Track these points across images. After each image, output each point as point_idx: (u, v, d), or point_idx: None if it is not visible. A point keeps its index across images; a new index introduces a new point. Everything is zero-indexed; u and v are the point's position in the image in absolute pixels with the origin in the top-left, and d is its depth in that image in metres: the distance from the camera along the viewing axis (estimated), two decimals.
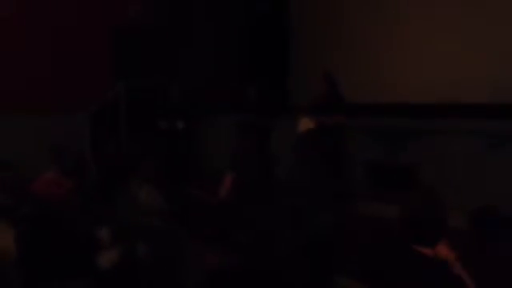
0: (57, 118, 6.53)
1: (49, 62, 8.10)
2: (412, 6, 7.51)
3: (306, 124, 6.05)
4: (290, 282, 3.88)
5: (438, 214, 2.58)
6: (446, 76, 6.98)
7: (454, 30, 6.99)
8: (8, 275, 3.13)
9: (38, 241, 3.40)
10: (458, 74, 6.87)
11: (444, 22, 7.10)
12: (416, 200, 2.64)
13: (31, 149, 6.22)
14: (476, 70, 6.72)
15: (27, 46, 7.98)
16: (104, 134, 7.69)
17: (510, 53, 6.41)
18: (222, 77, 9.30)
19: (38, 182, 3.81)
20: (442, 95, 6.95)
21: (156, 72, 8.79)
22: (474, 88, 6.69)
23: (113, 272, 3.69)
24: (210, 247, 3.69)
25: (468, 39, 6.84)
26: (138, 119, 8.19)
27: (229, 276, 2.87)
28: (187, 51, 9.18)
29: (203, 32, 9.35)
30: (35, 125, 7.19)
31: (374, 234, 4.11)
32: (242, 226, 4.41)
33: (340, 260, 3.96)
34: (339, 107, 6.62)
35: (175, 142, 8.18)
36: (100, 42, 8.63)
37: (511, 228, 5.18)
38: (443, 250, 2.57)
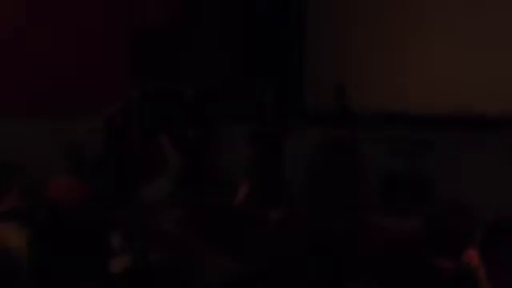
0: (71, 120, 6.55)
1: (65, 64, 8.13)
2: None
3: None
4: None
5: (464, 225, 2.55)
6: (462, 87, 6.94)
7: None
8: (20, 277, 3.11)
9: (50, 245, 3.39)
10: (477, 84, 6.83)
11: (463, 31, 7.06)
12: (443, 210, 2.62)
13: (45, 152, 6.24)
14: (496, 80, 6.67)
15: (34, 47, 8.01)
16: (118, 139, 7.69)
17: None
18: (237, 80, 9.29)
19: (53, 186, 3.80)
20: (457, 105, 6.91)
21: (171, 76, 8.79)
22: (492, 97, 6.64)
23: (125, 277, 3.67)
24: (225, 253, 3.66)
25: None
26: (152, 125, 8.19)
27: (242, 283, 2.83)
28: (202, 55, 9.18)
29: (217, 35, 9.35)
30: (49, 128, 7.21)
31: (389, 245, 4.06)
32: (255, 232, 4.39)
33: (354, 270, 3.92)
34: (349, 121, 6.62)
35: (189, 147, 8.16)
36: (117, 43, 8.65)
37: None
38: (474, 259, 2.53)
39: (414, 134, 7.17)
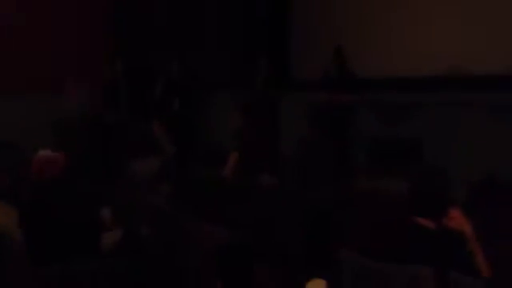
0: (56, 96, 6.49)
1: (48, 39, 8.04)
2: None
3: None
4: (292, 256, 3.89)
5: (440, 187, 2.58)
6: (447, 48, 6.92)
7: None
8: (13, 256, 3.12)
9: (40, 223, 3.39)
10: (461, 45, 6.82)
11: None
12: (419, 173, 2.67)
13: (34, 129, 6.20)
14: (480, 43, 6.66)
15: (21, 23, 7.91)
16: (105, 113, 7.66)
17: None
18: (222, 52, 9.23)
19: (34, 160, 3.75)
20: (442, 67, 6.90)
21: (155, 49, 8.72)
22: (478, 60, 6.64)
23: (116, 251, 3.69)
24: (214, 225, 3.68)
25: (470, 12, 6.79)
26: (138, 98, 8.15)
27: (232, 253, 2.85)
28: (186, 27, 9.10)
29: (203, 6, 9.25)
30: (36, 105, 7.16)
31: (378, 208, 4.10)
32: (246, 202, 4.42)
33: (344, 234, 3.96)
34: (350, 84, 6.53)
35: (175, 120, 8.14)
36: (99, 17, 8.56)
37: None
38: (458, 219, 2.57)
39: (399, 96, 7.17)
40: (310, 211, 4.22)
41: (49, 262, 3.27)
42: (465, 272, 2.41)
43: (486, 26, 6.65)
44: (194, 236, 3.62)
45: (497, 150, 6.03)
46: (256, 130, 5.78)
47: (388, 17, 7.68)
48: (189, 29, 9.11)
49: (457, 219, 2.55)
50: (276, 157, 5.78)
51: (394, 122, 7.12)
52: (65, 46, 8.14)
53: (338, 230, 4.04)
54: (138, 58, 8.54)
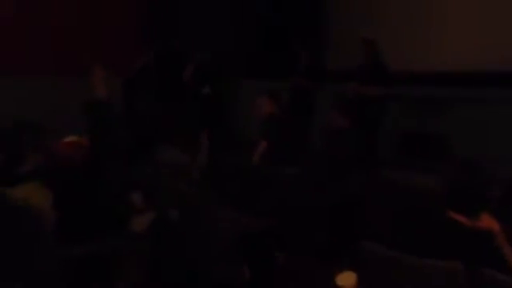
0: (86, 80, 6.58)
1: (78, 26, 8.15)
2: None
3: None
4: (317, 246, 3.90)
5: (483, 184, 2.57)
6: (479, 44, 6.84)
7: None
8: (46, 237, 3.20)
9: (70, 205, 3.46)
10: (495, 41, 6.73)
11: None
12: (462, 169, 2.64)
13: (65, 111, 6.30)
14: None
15: (52, 9, 8.03)
16: (136, 99, 7.74)
17: None
18: (255, 41, 9.24)
19: (58, 146, 3.82)
20: (474, 63, 6.83)
21: (184, 37, 8.77)
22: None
23: (147, 235, 3.75)
24: (241, 211, 3.71)
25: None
26: (168, 85, 8.21)
27: (257, 240, 2.89)
28: (214, 15, 9.11)
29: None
30: (66, 87, 7.27)
31: (406, 201, 4.09)
32: (272, 190, 4.44)
33: (370, 226, 3.96)
34: (383, 77, 6.47)
35: (204, 106, 8.19)
36: (131, 5, 8.65)
37: None
38: (487, 221, 2.55)
39: (431, 91, 7.11)
40: (338, 201, 4.22)
41: (79, 243, 3.35)
42: (497, 269, 2.40)
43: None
44: (220, 222, 3.66)
45: None
46: (286, 119, 5.77)
47: (423, 12, 7.61)
48: (221, 16, 9.13)
49: (488, 224, 2.54)
50: (304, 146, 5.78)
51: (424, 116, 7.07)
52: (97, 30, 8.24)
53: (366, 222, 4.04)
54: (169, 44, 8.60)
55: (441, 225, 2.63)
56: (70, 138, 3.71)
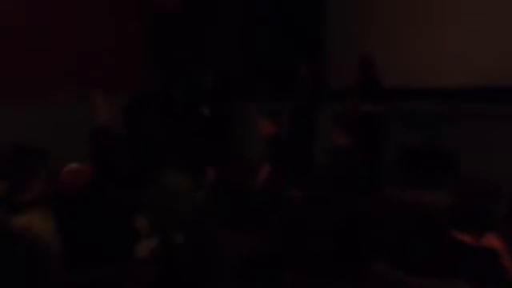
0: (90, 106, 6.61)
1: (85, 51, 8.21)
2: None
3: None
4: (321, 266, 3.88)
5: (491, 203, 2.54)
6: (484, 59, 6.85)
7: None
8: (47, 264, 3.18)
9: (76, 231, 3.45)
10: (497, 57, 6.74)
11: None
12: (467, 186, 2.62)
13: (67, 137, 6.32)
14: None
15: (55, 34, 8.09)
16: (138, 123, 7.75)
17: None
18: (254, 62, 9.27)
19: (62, 172, 3.83)
20: (478, 78, 6.82)
21: (190, 60, 8.81)
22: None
23: (151, 260, 3.73)
24: (247, 233, 3.70)
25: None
26: (173, 107, 8.24)
27: (261, 262, 2.87)
28: (219, 37, 9.17)
29: (232, 17, 9.31)
30: (71, 114, 7.30)
31: (411, 219, 4.07)
32: (276, 212, 4.42)
33: (377, 246, 3.93)
34: (377, 94, 6.51)
35: (208, 128, 8.20)
36: (135, 29, 8.70)
37: None
38: (492, 240, 2.53)
39: (436, 107, 7.10)
40: (341, 221, 4.21)
41: (84, 270, 3.33)
42: None
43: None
44: (225, 245, 3.64)
45: None
46: (290, 139, 5.79)
47: (420, 28, 7.64)
48: (224, 38, 9.18)
49: (490, 239, 2.52)
50: (308, 167, 5.78)
51: (428, 133, 7.05)
52: (100, 56, 8.29)
53: (370, 241, 4.02)
54: (173, 67, 8.64)
55: (445, 243, 2.61)
56: (72, 165, 3.71)
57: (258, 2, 9.36)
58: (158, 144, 7.11)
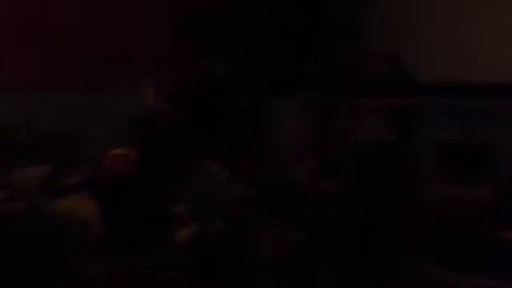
0: (135, 94, 6.69)
1: (125, 40, 8.30)
2: None
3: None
4: (354, 260, 3.85)
5: None
6: None
7: None
8: (92, 248, 3.23)
9: (116, 216, 3.49)
10: None
11: None
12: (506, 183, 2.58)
13: (110, 124, 6.39)
14: None
15: (98, 20, 8.20)
16: (178, 114, 7.80)
17: None
18: (283, 56, 9.22)
19: (106, 158, 3.87)
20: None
21: (222, 56, 8.83)
22: None
23: (190, 247, 3.76)
24: (284, 225, 3.70)
25: None
26: (208, 101, 8.26)
27: (301, 254, 2.87)
28: (255, 29, 9.15)
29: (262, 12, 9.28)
30: (114, 100, 7.40)
31: (454, 216, 4.01)
32: (312, 206, 4.40)
33: (415, 243, 3.89)
34: (406, 88, 6.45)
35: (240, 122, 8.20)
36: (172, 25, 8.78)
37: None
38: None
39: (475, 102, 6.98)
40: (379, 216, 4.17)
41: (125, 254, 3.37)
42: None
43: None
44: (263, 235, 3.65)
45: None
46: (325, 133, 5.75)
47: (467, 22, 7.52)
48: (257, 32, 9.16)
49: None
50: (342, 161, 5.73)
51: (468, 129, 6.93)
52: (143, 45, 8.39)
53: (405, 236, 3.97)
54: (211, 60, 8.67)
55: (487, 240, 2.57)
56: (117, 151, 3.75)
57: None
58: (198, 134, 7.15)
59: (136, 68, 7.58)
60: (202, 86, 8.28)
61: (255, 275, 3.48)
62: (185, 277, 3.61)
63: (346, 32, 8.88)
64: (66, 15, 7.89)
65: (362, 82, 7.61)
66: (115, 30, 8.26)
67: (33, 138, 4.55)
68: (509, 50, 6.93)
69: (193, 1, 8.89)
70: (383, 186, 4.61)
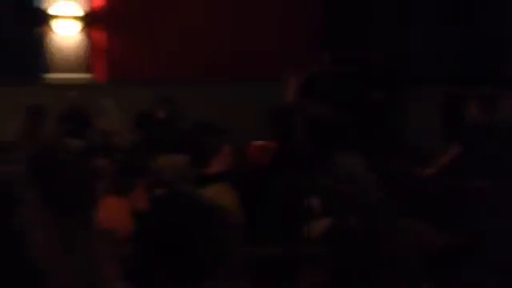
0: (273, 84, 6.83)
1: (260, 33, 8.50)
2: None
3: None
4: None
5: None
6: None
7: None
8: (235, 236, 3.31)
9: (257, 206, 3.56)
10: None
11: None
12: None
13: (247, 115, 6.57)
14: None
15: (234, 16, 8.45)
16: (310, 103, 7.82)
17: None
18: (425, 46, 8.91)
19: (249, 148, 3.96)
20: None
21: (360, 44, 8.72)
22: None
23: (322, 241, 3.75)
24: (423, 223, 3.59)
25: None
26: (343, 90, 8.20)
27: (449, 256, 2.75)
28: (393, 20, 8.93)
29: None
30: (253, 91, 7.61)
31: None
32: (456, 203, 4.23)
33: None
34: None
35: (378, 113, 8.06)
36: (312, 13, 8.87)
37: None
38: None
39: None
40: None
41: (264, 244, 3.43)
42: None
43: None
44: (401, 233, 3.56)
45: None
46: (469, 125, 5.43)
47: None
48: (394, 22, 8.94)
49: None
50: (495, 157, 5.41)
51: None
52: (280, 39, 8.58)
53: None
54: (344, 50, 8.60)
55: None
56: (259, 142, 3.83)
57: None
58: (331, 126, 7.13)
59: (279, 64, 7.77)
60: (338, 82, 8.26)
61: (395, 274, 3.40)
62: (322, 271, 3.61)
63: None
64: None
65: None
66: (268, 33, 8.58)
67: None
68: None
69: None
70: None
